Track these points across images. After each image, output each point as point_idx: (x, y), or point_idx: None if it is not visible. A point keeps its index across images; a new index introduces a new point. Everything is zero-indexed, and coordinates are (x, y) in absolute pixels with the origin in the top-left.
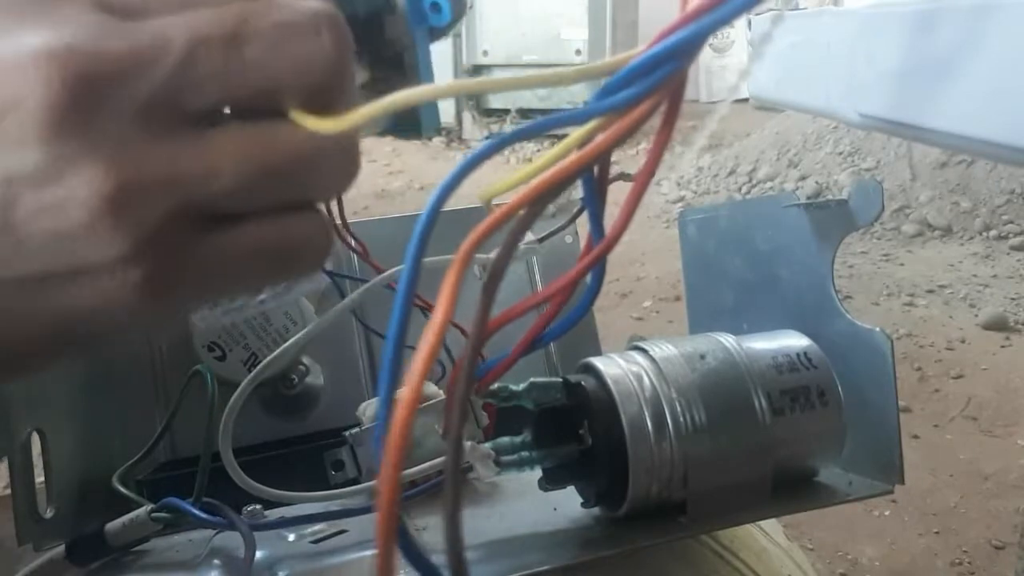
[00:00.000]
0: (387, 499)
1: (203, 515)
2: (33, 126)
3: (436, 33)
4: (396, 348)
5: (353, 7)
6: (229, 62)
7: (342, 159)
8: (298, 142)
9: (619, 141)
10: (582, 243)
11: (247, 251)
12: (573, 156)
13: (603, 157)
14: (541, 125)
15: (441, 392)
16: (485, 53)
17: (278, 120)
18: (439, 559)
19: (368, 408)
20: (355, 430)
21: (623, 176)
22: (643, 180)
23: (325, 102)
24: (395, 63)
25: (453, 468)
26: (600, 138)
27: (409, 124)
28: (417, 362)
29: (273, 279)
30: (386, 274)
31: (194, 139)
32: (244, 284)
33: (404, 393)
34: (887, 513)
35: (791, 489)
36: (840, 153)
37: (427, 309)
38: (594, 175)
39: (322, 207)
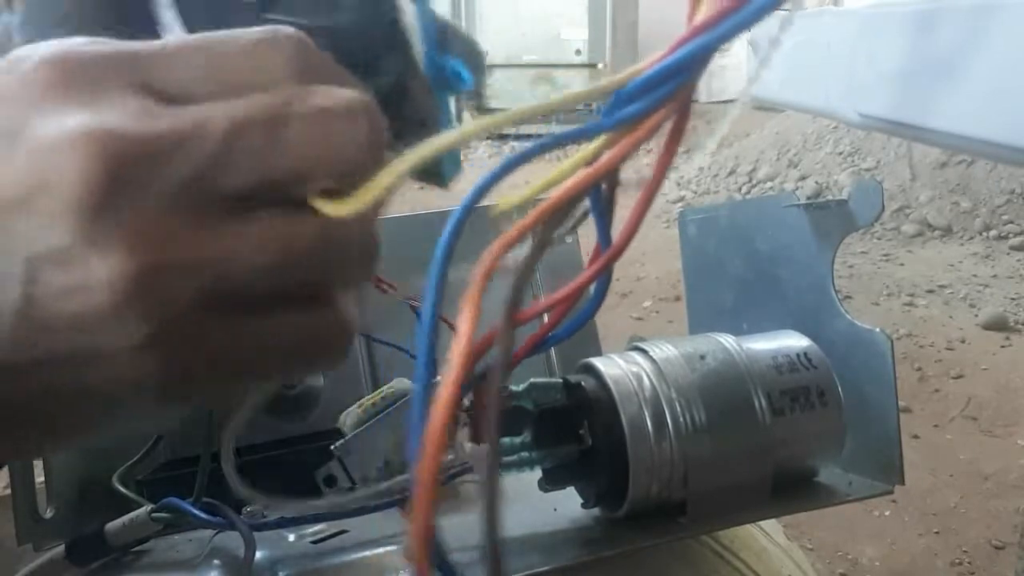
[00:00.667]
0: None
1: (203, 515)
2: (65, 207)
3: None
4: (429, 350)
5: (378, 73)
6: (267, 146)
7: (364, 247)
8: (321, 231)
9: (628, 156)
10: (581, 243)
11: (265, 343)
12: (583, 173)
13: (613, 170)
14: (553, 141)
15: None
16: (485, 53)
17: (304, 207)
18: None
19: (348, 417)
20: (340, 442)
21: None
22: (651, 190)
23: (354, 187)
24: (419, 127)
25: (492, 471)
26: (609, 154)
27: (432, 175)
28: (451, 373)
29: (290, 372)
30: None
31: (221, 225)
32: (260, 374)
33: (441, 395)
34: (887, 513)
35: (791, 489)
36: (840, 153)
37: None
38: (602, 189)
39: (349, 304)
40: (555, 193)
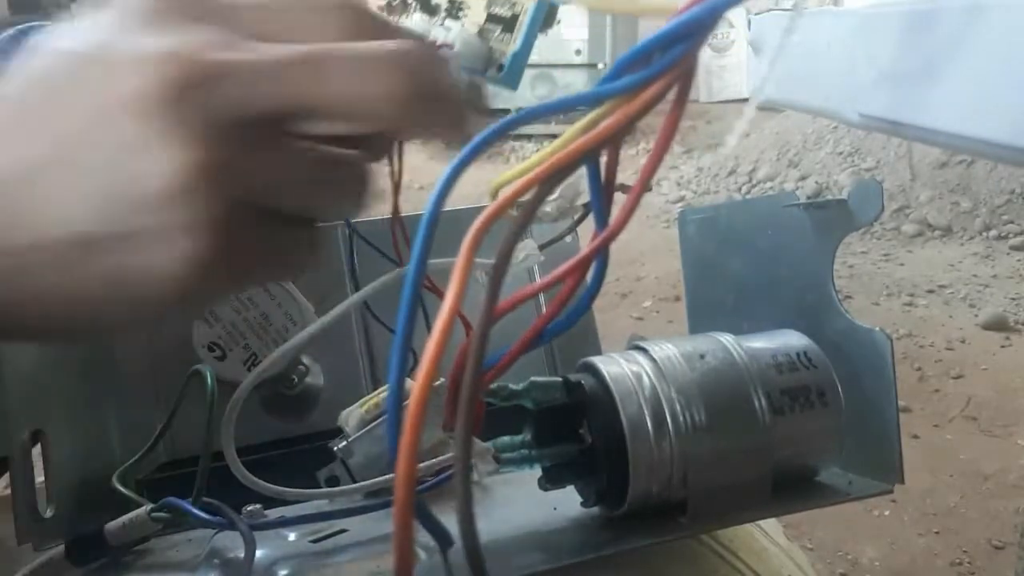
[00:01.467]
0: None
1: (203, 515)
2: (138, 105)
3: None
4: (403, 340)
5: None
6: (308, 80)
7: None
8: (356, 175)
9: (629, 124)
10: (581, 243)
11: (275, 250)
12: (582, 138)
13: (612, 140)
14: (551, 107)
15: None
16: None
17: (349, 151)
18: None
19: (350, 416)
20: (342, 443)
21: (620, 187)
22: (654, 160)
23: (393, 129)
24: None
25: (464, 451)
26: (609, 120)
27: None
28: (432, 341)
29: (278, 278)
30: (392, 274)
31: (274, 148)
32: (261, 277)
33: (421, 367)
34: (887, 513)
35: (791, 489)
36: (840, 153)
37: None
38: (601, 168)
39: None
40: (550, 159)
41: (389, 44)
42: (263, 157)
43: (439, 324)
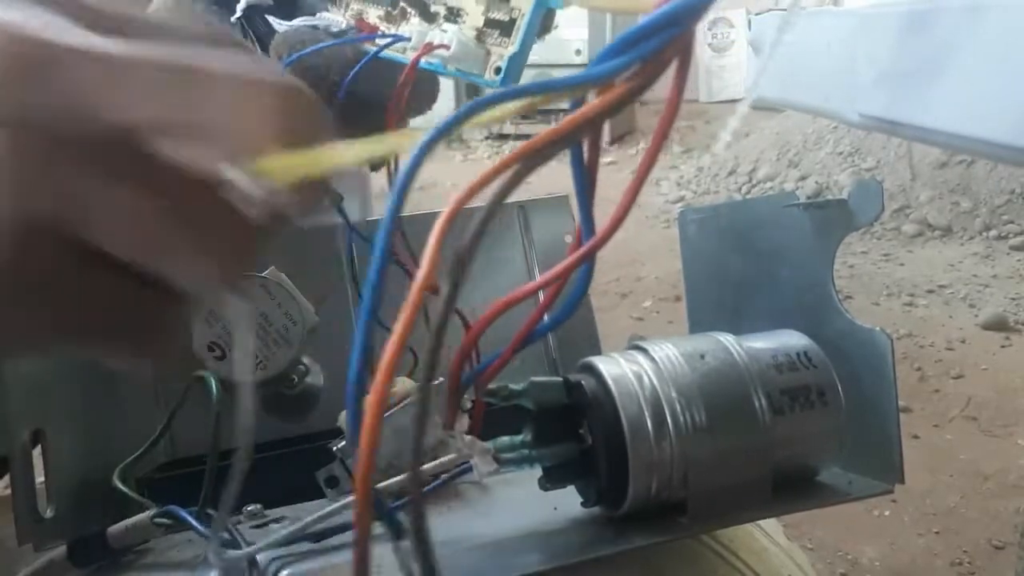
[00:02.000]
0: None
1: (203, 528)
2: None
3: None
4: (364, 339)
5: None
6: (170, 92)
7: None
8: (179, 213)
9: (614, 107)
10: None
11: (96, 303)
12: (566, 119)
13: (594, 125)
14: (523, 90)
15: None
16: None
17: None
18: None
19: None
20: (341, 443)
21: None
22: (655, 145)
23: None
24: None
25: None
26: (592, 103)
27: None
28: (392, 342)
29: (99, 348)
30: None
31: (106, 173)
32: (77, 332)
33: (379, 368)
34: (887, 513)
35: (791, 489)
36: (840, 153)
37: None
38: (584, 164)
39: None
40: (539, 135)
41: (261, 69)
42: (91, 179)
43: (401, 319)
